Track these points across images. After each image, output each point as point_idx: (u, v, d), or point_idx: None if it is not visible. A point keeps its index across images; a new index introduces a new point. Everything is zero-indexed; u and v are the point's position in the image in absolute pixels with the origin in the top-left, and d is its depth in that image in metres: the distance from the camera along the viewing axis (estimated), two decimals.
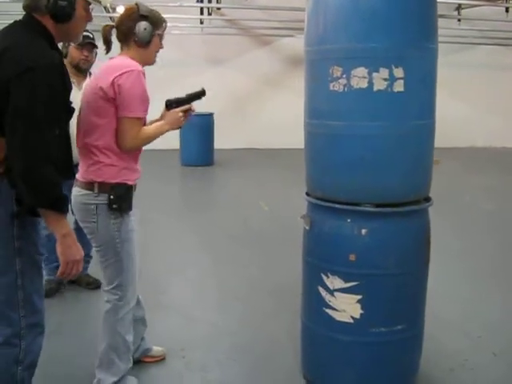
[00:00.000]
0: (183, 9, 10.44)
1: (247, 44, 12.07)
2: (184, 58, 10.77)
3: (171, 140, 10.05)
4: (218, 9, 11.06)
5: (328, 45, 2.71)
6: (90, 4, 2.23)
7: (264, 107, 12.32)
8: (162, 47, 2.76)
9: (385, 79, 2.60)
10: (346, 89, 2.64)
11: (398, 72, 2.60)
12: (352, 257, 2.73)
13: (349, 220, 2.74)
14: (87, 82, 3.11)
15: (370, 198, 2.73)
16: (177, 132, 10.31)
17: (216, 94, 10.57)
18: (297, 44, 12.36)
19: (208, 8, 11.06)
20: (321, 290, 2.84)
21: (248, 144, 12.09)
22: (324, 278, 2.81)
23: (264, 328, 3.71)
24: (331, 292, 2.80)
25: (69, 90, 2.20)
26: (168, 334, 3.57)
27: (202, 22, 11.37)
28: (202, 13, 11.16)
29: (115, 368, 2.73)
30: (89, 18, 2.26)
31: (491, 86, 13.04)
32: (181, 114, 2.80)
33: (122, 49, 2.70)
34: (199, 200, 7.66)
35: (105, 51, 2.67)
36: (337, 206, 2.74)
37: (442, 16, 12.19)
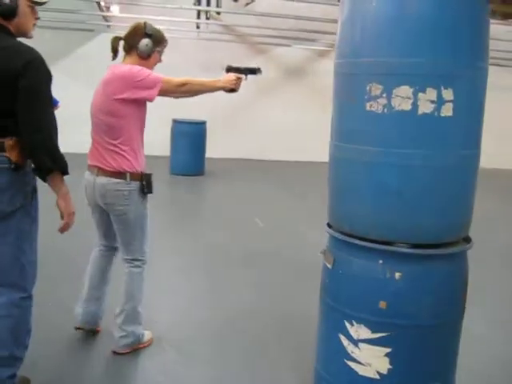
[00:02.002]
0: (180, 12, 10.07)
1: (243, 52, 11.70)
2: (177, 62, 10.32)
3: (161, 147, 9.73)
4: (218, 13, 10.69)
5: (366, 58, 2.35)
6: (34, 3, 2.60)
7: (257, 117, 11.96)
8: (160, 61, 3.27)
9: (432, 101, 2.24)
10: (385, 110, 2.28)
11: (448, 94, 2.25)
12: (382, 304, 2.36)
13: (380, 261, 2.37)
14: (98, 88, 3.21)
15: (406, 237, 2.37)
16: (167, 138, 9.90)
17: (208, 102, 10.19)
18: (293, 54, 12.08)
19: (206, 12, 10.69)
20: (343, 339, 2.47)
21: (239, 154, 11.72)
22: (348, 325, 2.44)
23: (267, 366, 3.32)
24: (355, 342, 2.43)
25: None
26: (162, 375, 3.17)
27: (198, 27, 10.99)
28: (198, 17, 10.79)
29: (140, 318, 3.29)
30: (34, 15, 2.65)
31: (485, 107, 12.79)
32: (234, 77, 3.28)
33: (125, 57, 3.19)
34: (189, 213, 7.24)
35: (112, 58, 3.18)
36: (366, 244, 2.38)
37: None
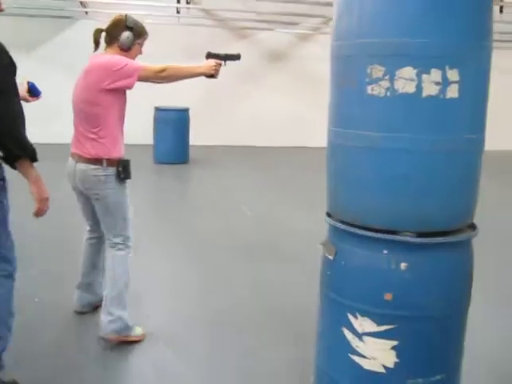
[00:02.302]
0: None
1: (225, 37, 11.51)
2: (158, 49, 10.13)
3: (144, 135, 9.56)
4: None
5: (366, 38, 2.22)
6: None
7: (240, 103, 11.82)
8: (141, 53, 3.37)
9: (437, 83, 2.13)
10: (388, 93, 2.17)
11: (453, 74, 2.14)
12: (388, 296, 2.26)
13: (385, 251, 2.27)
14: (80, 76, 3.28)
15: (411, 226, 2.26)
16: (150, 126, 9.74)
17: (190, 89, 10.01)
18: (276, 38, 11.91)
19: None
20: (346, 332, 2.37)
21: (223, 141, 11.58)
22: (351, 319, 2.34)
23: (262, 361, 3.22)
24: (359, 336, 2.34)
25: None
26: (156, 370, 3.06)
27: (178, 12, 10.78)
28: (178, 1, 10.58)
29: (125, 302, 3.31)
30: None
31: None
32: (214, 63, 3.35)
33: (106, 49, 3.29)
34: (175, 203, 7.11)
35: (93, 49, 3.31)
36: (370, 233, 2.27)
37: None
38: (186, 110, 9.65)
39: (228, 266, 4.80)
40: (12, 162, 2.59)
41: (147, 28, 3.37)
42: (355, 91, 2.26)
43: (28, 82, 3.37)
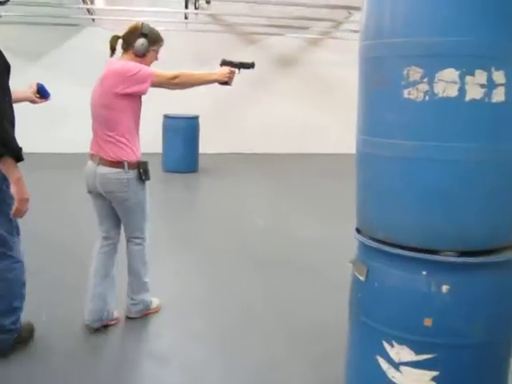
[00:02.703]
0: (167, 3, 9.72)
1: (233, 42, 11.32)
2: (166, 55, 9.98)
3: (153, 143, 9.35)
4: (207, 2, 10.29)
5: (401, 37, 2.01)
6: None
7: (250, 110, 11.60)
8: (156, 59, 3.45)
9: (482, 85, 1.92)
10: (427, 97, 1.96)
11: (499, 76, 1.93)
12: (427, 321, 2.05)
13: (424, 272, 2.05)
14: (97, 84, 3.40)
15: (452, 244, 2.05)
16: (159, 134, 9.55)
17: (199, 96, 9.83)
18: (285, 43, 11.72)
19: (194, 2, 10.29)
20: (381, 361, 2.15)
21: (232, 149, 11.37)
22: (387, 346, 2.12)
23: (278, 379, 3.00)
24: (396, 366, 2.12)
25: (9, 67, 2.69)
26: None
27: (186, 18, 10.60)
28: (186, 7, 10.40)
29: (147, 286, 3.62)
30: None
31: None
32: (228, 70, 3.45)
33: (122, 55, 3.38)
34: (184, 212, 6.89)
35: (110, 55, 3.38)
36: (408, 253, 2.06)
37: None
38: (195, 118, 9.45)
39: (239, 278, 4.57)
40: None
41: None
42: (388, 95, 2.06)
43: (37, 84, 3.42)
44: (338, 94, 11.86)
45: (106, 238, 3.52)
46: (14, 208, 2.75)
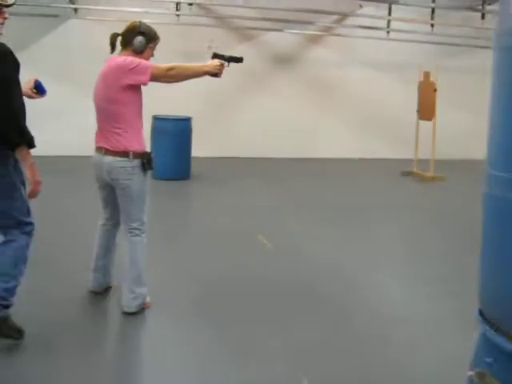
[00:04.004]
0: None
1: (227, 38, 10.46)
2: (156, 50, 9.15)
3: None
4: None
5: None
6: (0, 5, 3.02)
7: (245, 111, 10.76)
8: (153, 55, 3.73)
9: None
10: None
11: None
12: None
13: None
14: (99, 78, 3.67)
15: None
16: (147, 137, 8.75)
17: (190, 95, 8.99)
18: (285, 40, 10.87)
19: None
20: None
21: (226, 152, 10.53)
22: None
23: None
24: None
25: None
26: None
27: (178, 9, 9.72)
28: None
29: (145, 279, 3.76)
30: (2, 15, 3.04)
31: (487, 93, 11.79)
32: (218, 63, 3.65)
33: (121, 51, 3.65)
34: (176, 232, 5.98)
35: (110, 52, 3.66)
36: None
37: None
38: (187, 120, 8.59)
39: (251, 321, 3.77)
40: (13, 147, 3.01)
41: None
42: None
43: (35, 81, 3.53)
44: (339, 95, 11.09)
45: (107, 219, 3.90)
46: (29, 189, 3.14)
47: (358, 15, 10.25)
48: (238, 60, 3.78)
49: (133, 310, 3.71)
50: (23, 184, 3.20)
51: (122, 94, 3.50)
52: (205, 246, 5.37)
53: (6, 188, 3.13)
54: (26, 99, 3.24)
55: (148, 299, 3.84)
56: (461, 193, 8.43)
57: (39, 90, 3.55)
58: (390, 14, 10.71)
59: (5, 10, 3.05)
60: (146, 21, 8.60)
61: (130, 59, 3.50)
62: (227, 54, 3.75)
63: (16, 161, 3.11)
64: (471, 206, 7.64)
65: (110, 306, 3.94)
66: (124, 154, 3.53)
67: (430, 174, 9.53)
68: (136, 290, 3.70)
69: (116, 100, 3.51)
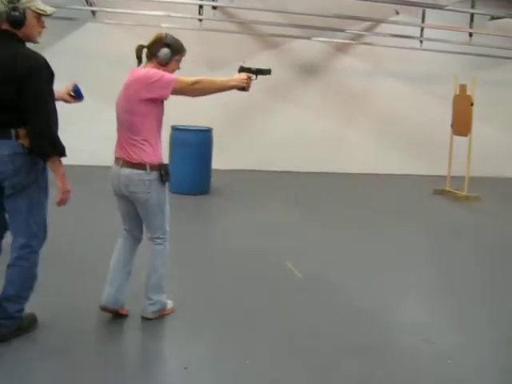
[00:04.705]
0: None
1: (251, 45, 9.96)
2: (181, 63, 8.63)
3: None
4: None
5: None
6: (40, 15, 3.15)
7: (268, 122, 10.25)
8: (179, 68, 3.69)
9: None
10: None
11: None
12: None
13: None
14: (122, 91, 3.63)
15: None
16: (165, 149, 8.27)
17: (211, 105, 8.46)
18: (311, 48, 10.31)
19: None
20: None
21: (247, 165, 10.04)
22: None
23: None
24: None
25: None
26: None
27: (200, 13, 9.25)
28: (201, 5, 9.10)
29: (164, 288, 3.79)
30: (41, 24, 3.21)
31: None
32: (245, 76, 3.62)
33: (146, 63, 3.62)
34: (196, 253, 5.44)
35: (137, 64, 3.63)
36: None
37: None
38: (208, 131, 8.10)
39: (281, 366, 3.24)
40: (45, 157, 3.16)
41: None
42: None
43: (74, 85, 3.57)
44: (367, 107, 10.58)
45: (128, 230, 3.78)
46: (58, 198, 3.23)
47: (391, 22, 9.71)
48: (266, 72, 3.71)
49: (149, 315, 3.73)
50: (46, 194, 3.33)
51: (142, 107, 3.45)
52: (229, 272, 4.86)
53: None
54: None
55: (171, 305, 3.88)
56: (497, 214, 7.90)
57: (77, 94, 3.58)
58: (423, 21, 10.17)
59: (44, 19, 3.19)
60: (166, 25, 8.21)
61: (152, 71, 3.46)
62: (254, 65, 3.68)
63: (44, 168, 3.25)
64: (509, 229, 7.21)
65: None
66: (141, 166, 3.49)
67: (463, 193, 8.96)
68: (153, 296, 3.71)
69: (135, 112, 3.47)
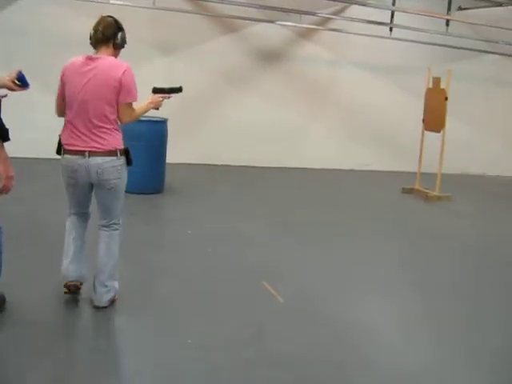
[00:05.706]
0: None
1: (208, 28, 9.17)
2: (128, 39, 7.71)
3: None
4: None
5: None
6: None
7: (225, 112, 9.47)
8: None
9: None
10: None
11: None
12: None
13: None
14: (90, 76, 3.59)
15: None
16: None
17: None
18: (274, 33, 9.53)
19: None
20: None
21: (203, 159, 9.27)
22: None
23: None
24: None
25: None
26: None
27: None
28: None
29: (116, 273, 3.80)
30: None
31: (492, 104, 10.89)
32: (160, 99, 3.86)
33: (101, 47, 3.64)
34: (154, 276, 4.56)
35: (94, 48, 3.68)
36: None
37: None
38: (163, 122, 7.23)
39: None
40: None
41: (111, 12, 3.72)
42: None
43: (18, 72, 3.38)
44: (331, 98, 9.94)
45: (78, 213, 3.80)
46: (1, 185, 3.18)
47: (360, 3, 9.02)
48: (178, 90, 3.88)
49: (104, 304, 3.72)
50: None
51: (115, 96, 3.54)
52: (188, 295, 4.08)
53: None
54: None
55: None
56: (472, 216, 7.45)
57: (22, 82, 3.42)
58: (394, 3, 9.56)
59: None
60: (116, 1, 7.31)
61: (130, 77, 3.57)
62: (167, 86, 3.87)
63: None
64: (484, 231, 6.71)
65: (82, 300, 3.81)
66: (112, 152, 3.55)
67: (434, 192, 8.43)
68: (109, 283, 3.72)
69: (110, 102, 3.53)
